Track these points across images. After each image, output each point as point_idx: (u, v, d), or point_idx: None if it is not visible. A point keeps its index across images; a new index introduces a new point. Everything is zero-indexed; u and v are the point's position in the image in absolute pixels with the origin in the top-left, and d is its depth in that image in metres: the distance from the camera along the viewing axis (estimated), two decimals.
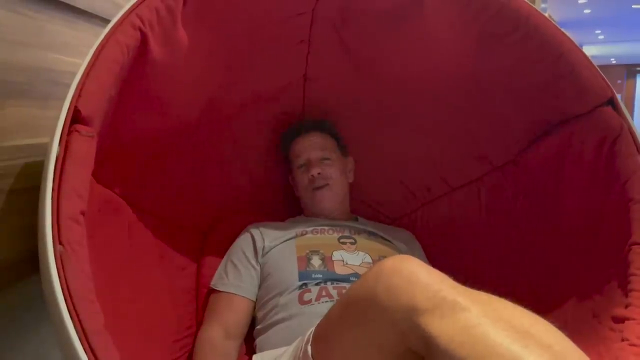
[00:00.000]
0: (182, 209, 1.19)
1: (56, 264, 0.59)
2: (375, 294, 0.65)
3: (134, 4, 0.78)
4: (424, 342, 0.59)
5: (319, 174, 1.22)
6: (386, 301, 0.63)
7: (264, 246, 1.14)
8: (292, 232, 1.16)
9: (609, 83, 0.93)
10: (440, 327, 0.57)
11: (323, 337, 0.76)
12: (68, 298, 0.57)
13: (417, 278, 0.62)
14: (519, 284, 1.06)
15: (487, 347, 0.54)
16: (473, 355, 0.54)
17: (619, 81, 13.64)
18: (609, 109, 0.92)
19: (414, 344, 0.61)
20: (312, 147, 1.26)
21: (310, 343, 0.77)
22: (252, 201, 1.36)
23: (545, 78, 0.97)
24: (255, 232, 1.17)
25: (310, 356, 0.76)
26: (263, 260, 1.13)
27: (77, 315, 0.57)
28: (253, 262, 1.12)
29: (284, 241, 1.14)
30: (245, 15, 0.97)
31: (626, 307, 0.78)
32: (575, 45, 0.94)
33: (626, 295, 0.79)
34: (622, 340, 0.75)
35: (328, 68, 1.22)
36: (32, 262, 0.66)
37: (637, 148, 0.88)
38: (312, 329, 0.79)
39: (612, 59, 13.95)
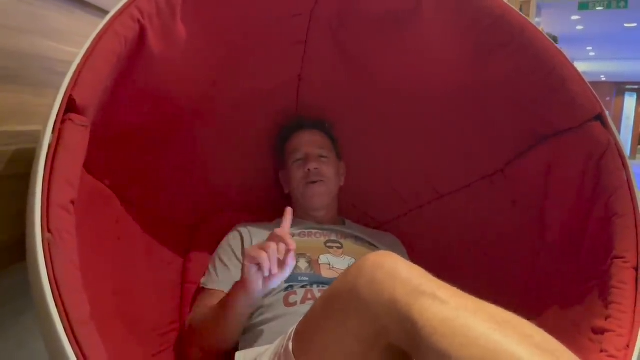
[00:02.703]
0: (171, 204, 1.18)
1: (44, 251, 0.58)
2: (357, 288, 0.65)
3: None
4: (405, 335, 0.60)
5: (315, 169, 1.21)
6: (368, 295, 0.64)
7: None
8: None
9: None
10: (421, 320, 0.58)
11: (304, 332, 0.76)
12: (54, 287, 0.57)
13: (398, 273, 0.63)
14: (502, 292, 1.06)
15: (468, 337, 0.55)
16: (454, 346, 0.54)
17: (607, 98, 13.81)
18: (597, 124, 0.93)
19: (395, 338, 0.62)
20: (311, 142, 1.25)
21: (291, 339, 0.77)
22: (240, 199, 1.36)
23: (537, 90, 0.98)
24: (244, 231, 1.17)
25: (291, 352, 0.76)
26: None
27: (63, 305, 0.57)
28: (242, 260, 1.12)
29: None
30: (243, 13, 0.97)
31: (606, 318, 0.80)
32: (567, 60, 0.95)
33: (606, 307, 0.81)
34: (601, 351, 0.76)
35: (323, 70, 1.22)
36: (20, 249, 0.66)
37: (623, 164, 0.90)
38: (295, 326, 0.80)
39: (602, 76, 14.11)
